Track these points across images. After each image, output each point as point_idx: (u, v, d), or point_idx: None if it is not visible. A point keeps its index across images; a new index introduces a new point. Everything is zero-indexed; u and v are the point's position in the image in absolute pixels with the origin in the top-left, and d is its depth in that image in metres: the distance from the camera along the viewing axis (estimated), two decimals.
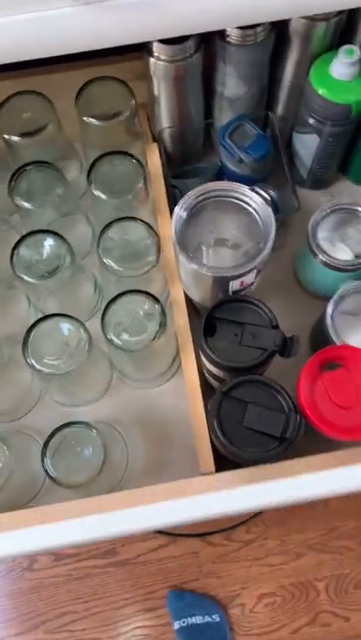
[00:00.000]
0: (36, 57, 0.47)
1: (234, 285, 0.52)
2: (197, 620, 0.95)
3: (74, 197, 0.66)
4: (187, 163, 0.72)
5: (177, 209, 0.50)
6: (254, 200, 0.51)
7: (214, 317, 0.52)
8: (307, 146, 0.65)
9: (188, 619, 0.96)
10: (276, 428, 0.47)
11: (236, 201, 0.52)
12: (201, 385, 0.59)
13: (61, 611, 1.01)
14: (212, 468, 0.55)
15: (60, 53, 0.47)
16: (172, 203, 0.66)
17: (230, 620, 1.00)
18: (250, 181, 0.66)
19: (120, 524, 0.46)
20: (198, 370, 0.59)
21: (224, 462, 0.53)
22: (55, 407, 0.65)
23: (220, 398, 0.49)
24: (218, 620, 0.97)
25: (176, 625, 0.97)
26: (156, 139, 0.69)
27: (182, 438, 0.62)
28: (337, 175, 0.73)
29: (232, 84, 0.62)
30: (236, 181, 0.66)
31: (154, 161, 0.68)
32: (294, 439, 0.46)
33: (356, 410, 0.48)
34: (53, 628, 1.00)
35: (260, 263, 0.50)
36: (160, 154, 0.66)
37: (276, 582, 1.02)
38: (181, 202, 0.50)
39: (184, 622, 0.95)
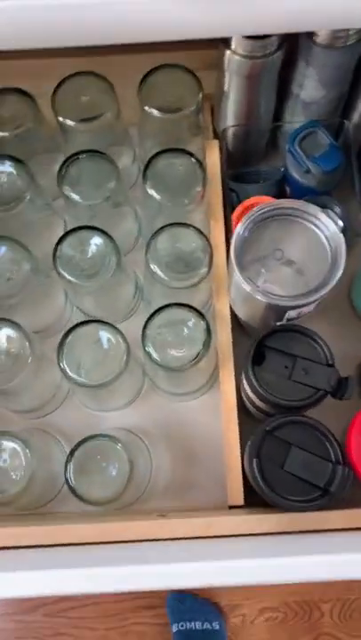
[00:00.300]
0: (108, 43, 0.42)
1: (290, 314, 0.48)
2: (196, 625, 0.94)
3: (124, 189, 0.62)
4: (247, 164, 0.67)
5: (240, 227, 0.45)
6: (326, 225, 0.46)
7: (264, 345, 0.48)
8: None
9: (187, 623, 0.94)
10: (320, 478, 0.44)
11: (305, 222, 0.47)
12: (238, 408, 0.55)
13: (61, 597, 1.00)
14: (242, 501, 0.51)
15: (133, 41, 0.42)
16: (229, 208, 0.61)
17: (229, 629, 0.98)
18: (313, 193, 0.61)
19: (117, 583, 0.37)
20: (236, 391, 0.56)
21: (254, 493, 0.50)
22: (81, 408, 0.62)
23: (263, 437, 0.45)
24: (217, 628, 0.95)
25: (174, 627, 0.96)
26: (218, 136, 0.64)
27: (211, 459, 0.59)
28: None
29: (310, 87, 0.56)
30: (299, 192, 0.62)
31: (213, 160, 0.63)
32: (339, 494, 0.43)
33: None
34: (52, 612, 1.00)
35: (324, 295, 0.45)
36: (221, 153, 0.62)
37: (280, 598, 1.00)
38: (245, 219, 0.46)
39: (182, 626, 0.94)
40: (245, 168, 0.66)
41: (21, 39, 0.41)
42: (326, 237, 0.46)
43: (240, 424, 0.54)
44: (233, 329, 0.58)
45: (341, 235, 0.46)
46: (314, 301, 0.45)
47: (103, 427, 0.61)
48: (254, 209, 0.46)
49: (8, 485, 0.50)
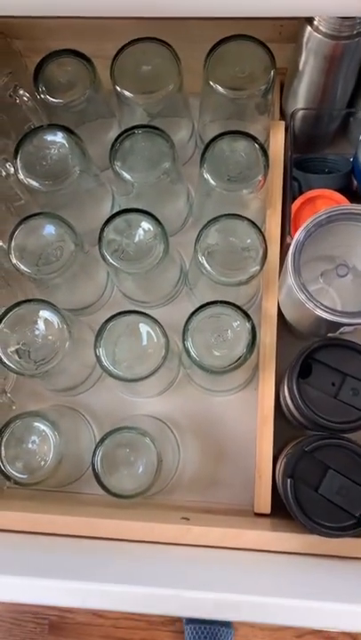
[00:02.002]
0: (177, 15, 0.38)
1: (346, 328, 0.44)
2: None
3: (178, 169, 0.58)
4: (313, 149, 0.62)
5: (300, 232, 0.42)
6: None
7: (312, 358, 0.45)
8: None
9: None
10: (356, 507, 0.41)
11: None
12: (274, 412, 0.53)
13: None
14: (269, 510, 0.50)
15: (202, 15, 0.38)
16: (290, 196, 0.57)
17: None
18: None
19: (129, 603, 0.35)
20: (275, 393, 0.53)
21: (282, 503, 0.48)
22: (113, 391, 0.61)
23: (300, 456, 0.43)
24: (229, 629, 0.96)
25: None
26: (285, 116, 0.59)
27: (240, 458, 0.57)
28: None
29: None
30: None
31: (278, 143, 0.58)
32: None
33: None
34: None
35: None
36: (287, 138, 0.57)
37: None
38: (306, 224, 0.42)
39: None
40: (311, 154, 0.61)
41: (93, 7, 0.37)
42: None
43: (275, 425, 0.52)
44: (278, 327, 0.55)
45: None
46: None
47: (134, 412, 0.60)
48: (320, 212, 0.42)
49: (36, 467, 0.50)
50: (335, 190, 0.57)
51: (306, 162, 0.61)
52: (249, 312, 0.58)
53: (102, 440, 0.50)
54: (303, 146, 0.62)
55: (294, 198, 0.56)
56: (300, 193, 0.57)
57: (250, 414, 0.57)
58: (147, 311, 0.55)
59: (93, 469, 0.49)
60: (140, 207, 0.52)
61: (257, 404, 0.54)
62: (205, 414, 0.60)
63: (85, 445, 0.58)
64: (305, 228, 0.41)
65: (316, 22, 0.47)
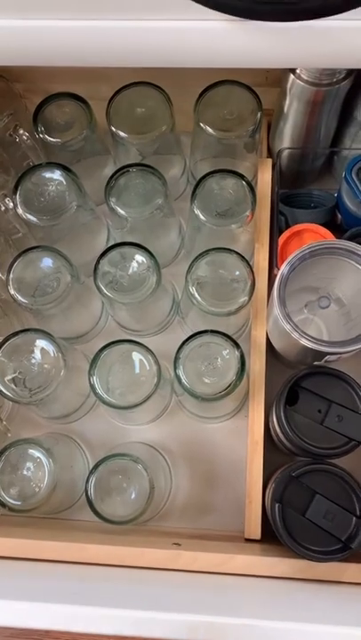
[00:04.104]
0: (173, 66, 0.41)
1: (330, 357, 0.46)
2: None
3: (170, 204, 0.61)
4: (299, 185, 0.65)
5: (285, 266, 0.44)
6: None
7: (299, 385, 0.47)
8: None
9: None
10: (342, 531, 0.43)
11: (355, 264, 0.45)
12: (264, 437, 0.54)
13: None
14: (259, 535, 0.51)
15: (197, 66, 0.41)
16: (276, 231, 0.60)
17: None
18: None
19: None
20: (265, 419, 0.55)
21: (271, 528, 0.49)
22: (107, 418, 0.62)
23: (287, 481, 0.44)
24: None
25: None
26: (272, 154, 0.62)
27: (231, 484, 0.58)
28: None
29: None
30: (352, 221, 0.60)
31: (265, 179, 0.61)
32: (360, 550, 0.42)
33: None
34: None
35: None
36: (273, 175, 0.60)
37: None
38: (290, 258, 0.44)
39: None
40: (298, 189, 0.64)
41: (90, 59, 0.40)
42: None
43: (265, 452, 0.54)
44: (267, 355, 0.57)
45: None
46: (355, 350, 0.43)
47: (127, 439, 0.61)
48: (303, 247, 0.44)
49: (31, 494, 0.50)
50: (321, 224, 0.59)
51: (293, 197, 0.64)
52: (239, 340, 0.60)
53: (95, 467, 0.51)
54: (290, 182, 0.65)
55: (281, 232, 0.59)
56: (287, 227, 0.60)
57: (241, 441, 0.58)
58: (140, 339, 0.57)
59: (87, 496, 0.50)
60: (134, 240, 0.54)
61: (247, 431, 0.55)
62: (197, 441, 0.61)
63: (79, 472, 0.59)
64: (289, 262, 0.44)
65: (298, 71, 0.50)
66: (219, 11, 0.34)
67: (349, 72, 0.49)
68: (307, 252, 0.43)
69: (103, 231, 0.64)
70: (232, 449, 0.60)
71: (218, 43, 0.37)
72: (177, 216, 0.64)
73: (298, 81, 0.50)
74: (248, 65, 0.40)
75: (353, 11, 0.33)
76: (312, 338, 0.43)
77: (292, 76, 0.51)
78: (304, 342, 0.43)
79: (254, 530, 0.51)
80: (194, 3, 0.33)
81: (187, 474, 0.60)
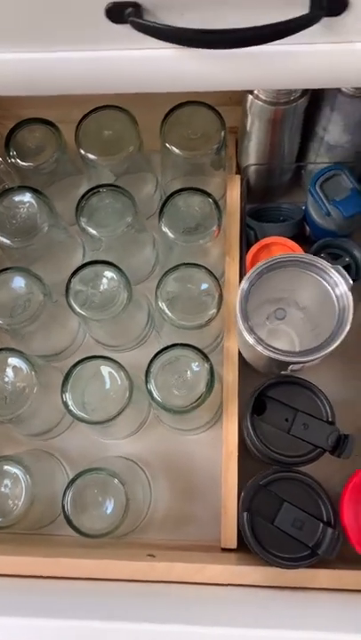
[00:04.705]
0: (130, 91, 0.43)
1: (294, 367, 0.47)
2: None
3: (142, 221, 0.62)
4: (269, 199, 0.66)
5: (244, 281, 0.45)
6: (336, 282, 0.45)
7: (266, 395, 0.48)
8: None
9: None
10: (310, 538, 0.43)
11: (315, 275, 0.47)
12: (239, 448, 0.55)
13: None
14: (235, 544, 0.52)
15: (155, 91, 0.43)
16: (246, 245, 0.61)
17: None
18: (333, 235, 0.61)
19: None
20: (239, 432, 0.56)
21: None
22: (87, 434, 0.63)
23: (256, 490, 0.45)
24: None
25: None
26: (241, 171, 0.63)
27: (210, 495, 0.59)
28: None
29: (335, 132, 0.55)
30: (319, 233, 0.61)
31: (234, 195, 0.63)
32: (327, 557, 0.42)
33: None
34: None
35: (328, 353, 0.45)
36: (241, 190, 0.61)
37: None
38: (249, 274, 0.45)
39: None
40: (267, 203, 0.66)
41: (56, 88, 0.42)
42: (336, 295, 0.45)
43: (242, 462, 0.54)
44: (241, 366, 0.58)
45: (350, 294, 0.45)
46: (316, 359, 0.44)
47: (107, 453, 0.62)
48: (259, 263, 0.45)
49: (8, 510, 0.51)
50: (290, 236, 0.61)
51: (262, 211, 0.65)
52: (214, 352, 0.62)
53: (72, 482, 0.52)
54: (260, 197, 0.66)
55: (250, 246, 0.60)
56: (257, 240, 0.61)
57: (218, 452, 0.59)
58: (117, 355, 0.58)
59: (63, 510, 0.51)
60: (110, 258, 0.55)
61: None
62: (176, 453, 0.62)
63: (59, 488, 0.59)
64: (248, 277, 0.45)
65: (255, 91, 0.52)
66: (167, 41, 0.35)
67: (305, 90, 0.51)
68: (263, 267, 0.45)
69: (78, 250, 0.66)
70: (210, 460, 0.60)
71: (168, 69, 0.39)
72: (150, 232, 0.65)
73: (256, 101, 0.52)
74: (201, 89, 0.42)
75: (292, 36, 0.35)
76: (273, 349, 0.45)
77: (250, 96, 0.52)
78: (266, 353, 0.44)
79: (230, 539, 0.52)
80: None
81: (166, 486, 0.61)
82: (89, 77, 0.40)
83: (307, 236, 0.63)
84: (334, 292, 0.45)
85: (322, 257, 0.60)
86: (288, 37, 0.35)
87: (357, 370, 0.61)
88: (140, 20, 0.35)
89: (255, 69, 0.39)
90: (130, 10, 0.35)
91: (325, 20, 0.35)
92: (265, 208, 0.65)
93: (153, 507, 0.60)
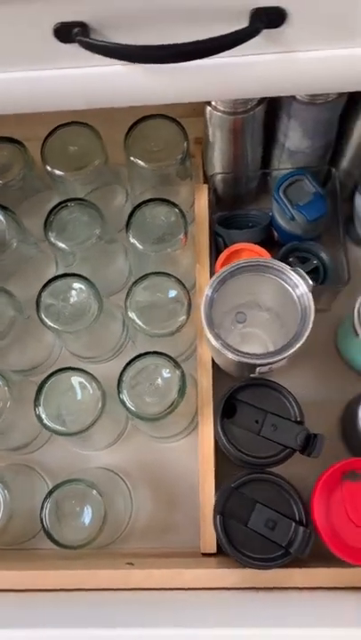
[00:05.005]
0: (85, 108, 0.44)
1: (261, 369, 0.48)
2: None
3: (112, 232, 0.63)
4: (238, 206, 0.67)
5: (207, 288, 0.46)
6: (296, 283, 0.46)
7: (236, 398, 0.49)
8: None
9: None
10: (283, 538, 0.44)
11: (276, 278, 0.48)
12: (216, 453, 0.56)
13: None
14: (214, 549, 0.52)
15: (109, 106, 0.44)
16: (215, 251, 0.62)
17: None
18: (300, 239, 0.62)
19: None
20: (215, 437, 0.56)
21: None
22: (66, 446, 0.63)
23: (229, 493, 0.46)
24: None
25: None
26: (207, 180, 0.65)
27: (189, 502, 0.59)
28: None
29: (295, 138, 0.57)
30: (286, 237, 0.62)
31: (202, 204, 0.64)
32: (299, 555, 0.43)
33: None
34: None
35: (292, 353, 0.46)
36: (209, 199, 0.63)
37: None
38: (211, 281, 0.46)
39: None
40: (236, 211, 0.67)
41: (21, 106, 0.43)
42: (297, 296, 0.46)
43: (221, 467, 0.55)
44: (215, 372, 0.59)
45: (310, 294, 0.46)
46: (280, 360, 0.45)
47: (88, 465, 0.63)
48: (221, 270, 0.46)
49: None
50: (258, 242, 0.61)
51: (231, 218, 0.66)
52: (191, 358, 0.63)
53: (50, 494, 0.52)
54: (229, 204, 0.67)
55: (220, 253, 0.61)
56: (226, 248, 0.62)
57: (197, 458, 0.59)
58: (95, 366, 0.59)
59: (42, 522, 0.51)
60: (83, 272, 0.56)
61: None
62: (156, 462, 0.62)
63: (41, 502, 0.60)
64: (210, 284, 0.46)
65: (213, 103, 0.53)
66: (114, 58, 0.37)
67: (261, 99, 0.52)
68: (226, 273, 0.46)
69: (51, 265, 0.67)
70: (189, 466, 0.61)
71: (120, 85, 0.40)
72: (122, 244, 0.66)
73: (215, 112, 0.53)
74: (153, 102, 0.43)
75: (239, 48, 0.36)
76: (239, 352, 0.45)
77: (208, 107, 0.54)
78: (231, 357, 0.45)
79: (209, 544, 0.52)
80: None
81: (147, 495, 0.61)
82: (44, 96, 0.41)
83: (275, 241, 0.64)
84: (295, 292, 0.46)
85: (290, 261, 0.62)
86: (234, 49, 0.36)
87: (327, 371, 0.62)
88: (88, 39, 0.36)
89: (205, 81, 0.40)
90: (77, 29, 0.36)
91: (267, 32, 0.36)
92: (233, 215, 0.66)
93: (134, 516, 0.60)
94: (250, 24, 0.35)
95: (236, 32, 0.35)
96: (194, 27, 0.36)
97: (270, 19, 0.35)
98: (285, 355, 0.45)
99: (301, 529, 0.43)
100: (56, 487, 0.52)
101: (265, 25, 0.35)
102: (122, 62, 0.37)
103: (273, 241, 0.64)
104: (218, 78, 0.39)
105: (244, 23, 0.36)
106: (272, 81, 0.40)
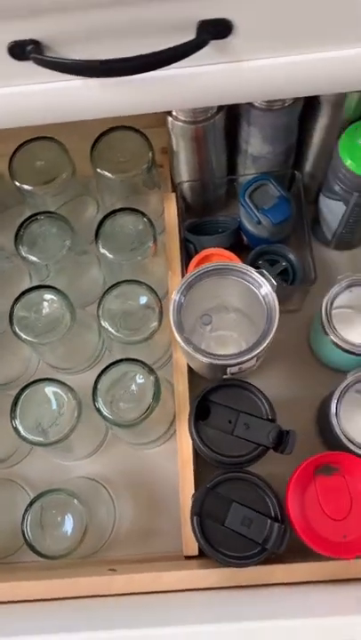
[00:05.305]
0: (45, 122, 0.45)
1: (232, 370, 0.49)
2: None
3: (83, 243, 0.64)
4: (208, 213, 0.69)
5: (175, 293, 0.47)
6: (260, 284, 0.47)
7: (209, 400, 0.50)
8: (333, 211, 0.61)
9: None
10: (259, 535, 0.44)
11: (242, 280, 0.49)
12: (195, 457, 0.56)
13: None
14: (196, 551, 0.52)
15: (69, 120, 0.45)
16: (186, 258, 0.63)
17: None
18: (268, 242, 0.63)
19: None
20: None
21: None
22: (47, 458, 0.63)
23: (205, 494, 0.46)
24: None
25: None
26: (175, 189, 0.66)
27: (171, 506, 0.60)
28: None
29: (256, 144, 0.58)
30: (254, 241, 0.64)
31: (171, 212, 0.65)
32: (275, 551, 0.43)
33: (349, 523, 0.45)
34: None
35: (260, 352, 0.46)
36: (178, 207, 0.64)
37: None
38: (178, 286, 0.47)
39: None
40: (205, 217, 0.68)
41: None
42: (261, 295, 0.47)
43: (201, 471, 0.55)
44: (192, 376, 0.59)
45: (274, 294, 0.47)
46: (249, 359, 0.46)
47: (70, 475, 0.63)
48: (188, 274, 0.47)
49: None
50: (227, 247, 0.63)
51: (201, 225, 0.68)
52: (167, 364, 0.64)
53: (31, 504, 0.52)
54: (199, 211, 0.69)
55: (191, 259, 0.62)
56: (197, 253, 0.63)
57: (177, 462, 0.60)
58: (73, 377, 0.59)
59: (23, 534, 0.51)
60: (58, 284, 0.57)
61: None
62: (137, 469, 0.63)
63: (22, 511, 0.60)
64: (178, 290, 0.47)
65: (174, 112, 0.54)
66: (68, 74, 0.38)
67: (220, 107, 0.54)
68: (191, 278, 0.47)
69: (25, 280, 0.67)
70: (170, 471, 0.61)
71: (77, 99, 0.41)
72: (94, 255, 0.67)
73: (176, 122, 0.55)
74: (112, 114, 0.44)
75: (191, 58, 0.37)
76: (209, 354, 0.46)
77: (170, 118, 0.55)
78: (200, 358, 0.46)
79: (191, 546, 0.53)
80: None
81: (129, 502, 0.62)
82: (3, 113, 0.42)
83: (245, 245, 0.65)
84: (260, 292, 0.47)
85: (260, 264, 0.63)
86: (185, 60, 0.37)
87: (301, 370, 0.63)
88: (41, 56, 0.37)
89: (160, 93, 0.41)
90: (30, 47, 0.37)
91: (215, 43, 0.38)
92: (203, 222, 0.68)
93: (119, 524, 0.61)
94: (197, 36, 0.36)
95: (184, 44, 0.36)
96: (145, 40, 0.37)
97: (217, 30, 0.36)
98: (253, 354, 0.45)
99: (277, 525, 0.44)
100: (36, 498, 0.53)
101: (212, 36, 0.37)
102: (77, 77, 0.39)
103: (242, 245, 0.65)
104: (171, 89, 0.41)
105: (192, 35, 0.37)
106: (224, 89, 0.42)
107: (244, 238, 0.65)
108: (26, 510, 0.52)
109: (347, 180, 0.55)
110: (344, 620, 0.37)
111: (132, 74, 0.37)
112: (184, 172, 0.63)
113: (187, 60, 0.37)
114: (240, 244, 0.65)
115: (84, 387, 0.55)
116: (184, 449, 0.56)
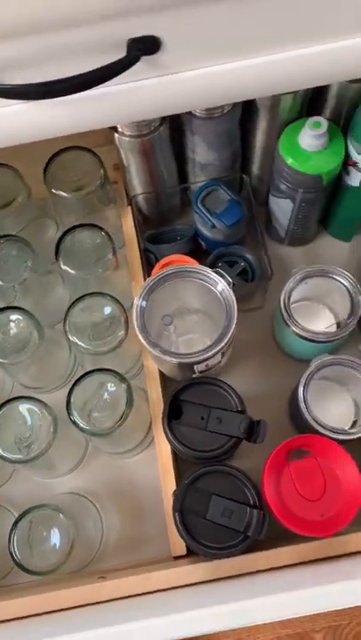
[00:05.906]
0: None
1: (199, 367, 0.50)
2: None
3: (45, 263, 0.65)
4: (164, 223, 0.71)
5: (136, 299, 0.49)
6: (216, 282, 0.49)
7: (181, 400, 0.51)
8: (282, 209, 0.64)
9: None
10: (240, 524, 0.46)
11: (199, 281, 0.51)
12: (174, 460, 0.58)
13: None
14: (184, 551, 0.53)
15: (17, 143, 0.46)
16: (148, 267, 0.65)
17: None
18: (225, 245, 0.65)
19: None
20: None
21: None
22: (30, 478, 0.64)
23: (185, 490, 0.48)
24: None
25: None
26: (131, 203, 0.68)
27: (156, 512, 0.60)
28: (318, 229, 0.72)
29: (202, 152, 0.61)
30: (211, 245, 0.66)
31: (129, 224, 0.67)
32: (256, 537, 0.45)
33: (324, 502, 0.46)
34: None
35: (223, 347, 0.48)
36: (134, 219, 0.66)
37: (272, 633, 1.00)
38: (139, 293, 0.49)
39: None
40: (163, 227, 0.70)
41: None
42: (219, 292, 0.49)
43: (182, 472, 0.57)
44: (165, 382, 0.61)
45: (231, 290, 0.49)
46: (214, 355, 0.48)
47: (54, 492, 0.63)
48: (148, 279, 0.49)
49: None
50: (186, 253, 0.65)
51: (160, 235, 0.70)
52: (140, 373, 0.65)
53: (16, 523, 0.53)
54: (156, 222, 0.71)
55: (152, 268, 0.64)
56: (158, 262, 0.65)
57: (157, 467, 0.61)
58: (47, 395, 0.60)
59: (10, 554, 0.51)
60: (25, 305, 0.58)
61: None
62: (120, 478, 0.63)
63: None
64: (139, 295, 0.49)
65: (119, 129, 0.56)
66: (6, 98, 0.39)
67: (163, 118, 0.56)
68: (151, 283, 0.49)
69: None
70: (152, 477, 0.62)
71: (21, 122, 0.43)
72: (58, 274, 0.68)
73: (123, 137, 0.57)
74: (58, 134, 0.46)
75: (127, 74, 0.39)
76: (175, 354, 0.48)
77: (116, 134, 0.57)
78: (168, 359, 0.48)
79: (179, 547, 0.53)
80: None
81: (115, 512, 0.62)
82: None
83: (204, 250, 0.68)
84: (217, 289, 0.49)
85: (219, 266, 0.65)
86: (120, 77, 0.40)
87: (269, 363, 0.65)
88: None
89: (99, 110, 0.43)
90: None
91: (146, 59, 0.40)
92: (162, 232, 0.70)
93: (107, 535, 0.61)
94: (127, 53, 0.38)
95: (116, 62, 0.38)
96: (79, 60, 0.39)
97: (146, 47, 0.39)
98: (217, 349, 0.47)
99: (256, 512, 0.45)
100: (21, 516, 0.53)
101: (142, 52, 0.39)
102: (19, 101, 0.40)
103: (201, 250, 0.68)
104: (111, 105, 0.43)
105: (123, 53, 0.39)
106: (161, 101, 0.44)
107: (202, 243, 0.67)
108: (12, 530, 0.52)
109: (290, 177, 0.57)
110: (331, 588, 0.38)
111: (70, 93, 0.39)
112: (137, 185, 0.65)
113: (122, 76, 0.39)
114: (199, 250, 0.68)
115: (60, 404, 0.56)
116: (163, 453, 0.57)
